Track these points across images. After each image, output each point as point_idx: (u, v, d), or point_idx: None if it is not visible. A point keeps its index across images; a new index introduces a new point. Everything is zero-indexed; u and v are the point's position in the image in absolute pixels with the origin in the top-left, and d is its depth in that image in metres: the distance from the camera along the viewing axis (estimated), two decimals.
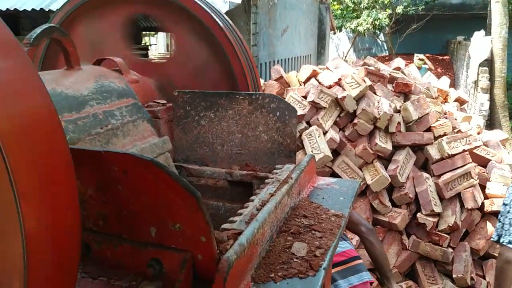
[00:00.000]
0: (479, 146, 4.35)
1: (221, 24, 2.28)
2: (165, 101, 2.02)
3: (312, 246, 1.25)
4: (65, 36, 1.70)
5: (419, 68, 10.54)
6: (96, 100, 1.64)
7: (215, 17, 2.29)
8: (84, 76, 1.72)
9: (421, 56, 15.14)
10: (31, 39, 1.57)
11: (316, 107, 4.38)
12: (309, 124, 4.36)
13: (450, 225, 3.96)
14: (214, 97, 1.84)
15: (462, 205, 4.16)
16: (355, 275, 2.52)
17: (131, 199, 1.06)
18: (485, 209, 4.14)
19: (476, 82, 11.15)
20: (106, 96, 1.69)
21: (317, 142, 4.12)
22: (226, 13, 6.50)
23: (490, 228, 4.14)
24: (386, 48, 19.91)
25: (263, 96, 1.76)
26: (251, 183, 1.78)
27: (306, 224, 1.38)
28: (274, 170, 1.65)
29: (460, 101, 5.68)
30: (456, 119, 4.85)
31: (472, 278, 3.98)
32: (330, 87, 4.60)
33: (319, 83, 4.70)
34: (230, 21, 2.44)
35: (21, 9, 7.28)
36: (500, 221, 2.56)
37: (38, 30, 1.59)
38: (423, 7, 17.35)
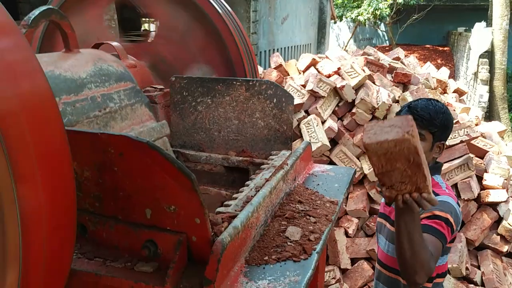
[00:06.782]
0: (477, 137, 4.36)
1: (219, 11, 2.27)
2: (162, 86, 2.02)
3: (306, 230, 1.26)
4: (63, 18, 1.69)
5: None
6: (95, 83, 1.64)
7: (213, 3, 2.28)
8: (83, 59, 1.71)
9: None
10: (29, 20, 1.56)
11: (315, 96, 4.38)
12: (307, 113, 4.36)
13: None
14: (211, 83, 1.84)
15: (459, 196, 4.18)
16: None
17: (126, 181, 1.06)
18: (481, 200, 4.17)
19: (476, 74, 11.14)
20: (104, 80, 1.69)
21: (315, 131, 4.13)
22: None
23: (486, 219, 4.16)
24: (386, 38, 19.82)
25: (260, 82, 1.76)
26: (247, 169, 1.79)
27: (301, 209, 1.39)
28: (270, 156, 1.66)
29: (459, 92, 5.68)
30: (454, 110, 4.85)
31: (467, 268, 4.01)
32: (329, 76, 4.60)
33: (318, 72, 4.69)
34: (229, 7, 2.43)
35: None
36: None
37: (36, 11, 1.58)
38: None
